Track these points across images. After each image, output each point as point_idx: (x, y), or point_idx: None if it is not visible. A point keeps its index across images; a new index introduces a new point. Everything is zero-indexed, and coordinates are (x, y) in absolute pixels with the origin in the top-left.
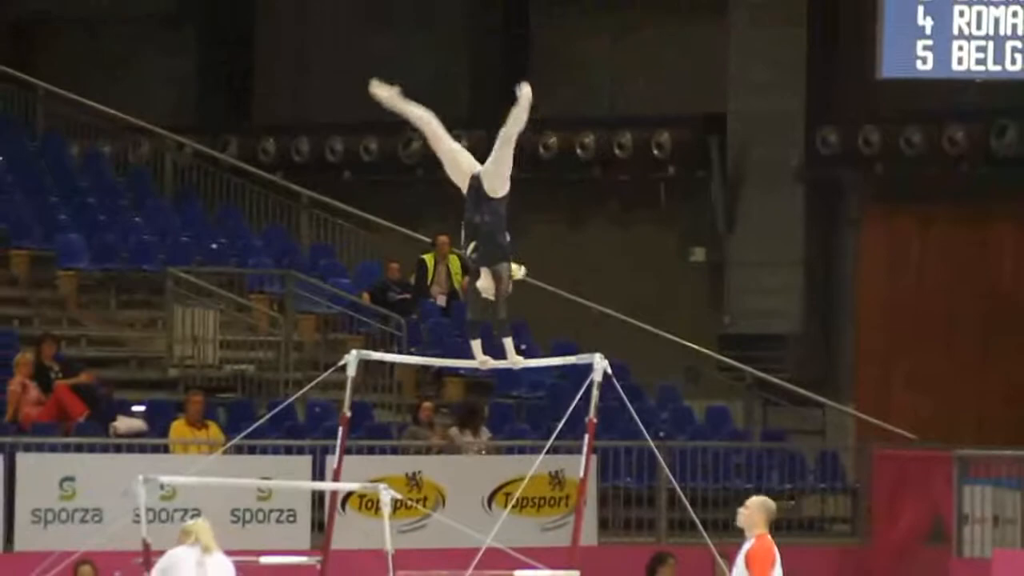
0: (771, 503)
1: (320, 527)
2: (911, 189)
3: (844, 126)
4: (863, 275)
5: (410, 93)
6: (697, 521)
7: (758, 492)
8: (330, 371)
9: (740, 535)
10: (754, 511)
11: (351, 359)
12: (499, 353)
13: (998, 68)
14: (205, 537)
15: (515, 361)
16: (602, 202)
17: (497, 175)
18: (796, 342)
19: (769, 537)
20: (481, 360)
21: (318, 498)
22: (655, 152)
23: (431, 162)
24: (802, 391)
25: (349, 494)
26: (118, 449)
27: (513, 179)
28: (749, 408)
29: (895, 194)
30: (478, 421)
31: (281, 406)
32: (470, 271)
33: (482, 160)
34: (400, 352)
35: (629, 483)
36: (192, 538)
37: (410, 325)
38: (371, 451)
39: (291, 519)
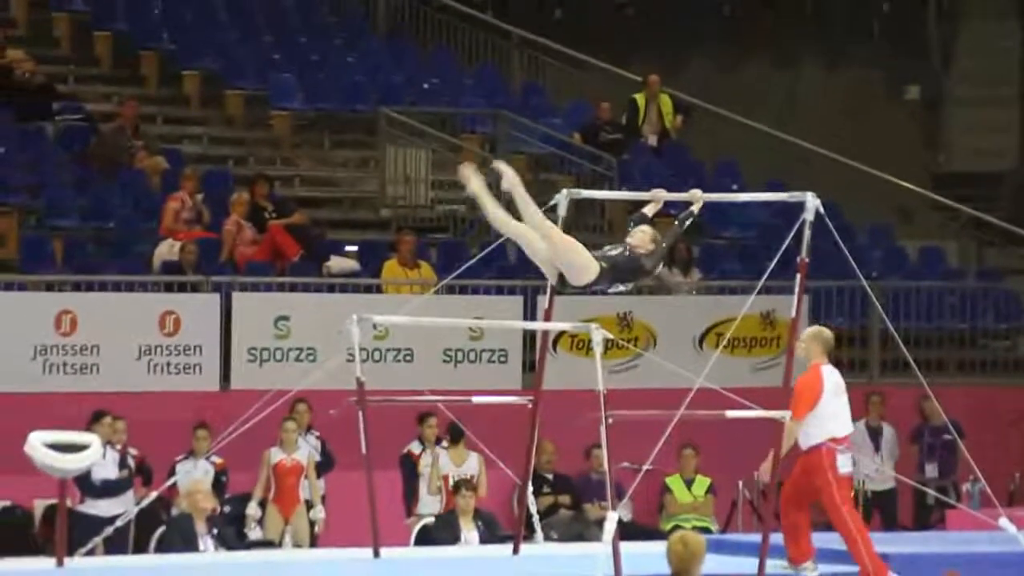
0: (827, 333)
1: (531, 367)
2: None
3: None
4: None
5: None
6: (911, 360)
7: (972, 332)
8: (541, 211)
9: (951, 375)
10: (808, 342)
11: (561, 198)
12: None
13: None
14: None
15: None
16: (814, 38)
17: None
18: (1012, 180)
19: (822, 368)
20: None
21: (529, 338)
22: None
23: (643, 0)
24: (1018, 230)
25: (560, 334)
26: (331, 289)
27: (724, 18)
28: (964, 247)
29: None
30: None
31: (493, 246)
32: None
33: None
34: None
35: (841, 323)
36: None
37: (621, 165)
38: (582, 291)
39: (503, 359)
